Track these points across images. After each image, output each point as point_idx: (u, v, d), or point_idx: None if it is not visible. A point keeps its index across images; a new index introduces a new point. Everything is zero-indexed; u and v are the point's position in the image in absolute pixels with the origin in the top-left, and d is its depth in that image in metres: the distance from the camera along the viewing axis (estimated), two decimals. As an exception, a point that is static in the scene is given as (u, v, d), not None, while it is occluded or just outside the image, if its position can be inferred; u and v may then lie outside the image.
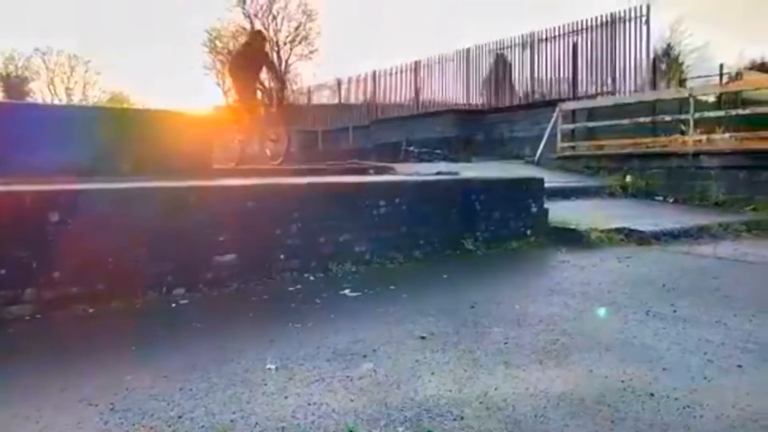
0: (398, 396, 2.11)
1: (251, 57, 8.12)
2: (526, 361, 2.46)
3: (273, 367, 2.39)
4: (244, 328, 2.97)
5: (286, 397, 2.11)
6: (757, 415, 1.97)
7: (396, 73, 18.61)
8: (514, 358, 2.49)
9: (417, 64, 17.78)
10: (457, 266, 4.47)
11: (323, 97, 22.95)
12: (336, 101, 21.89)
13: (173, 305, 3.35)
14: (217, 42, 29.59)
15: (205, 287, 3.59)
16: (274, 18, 28.71)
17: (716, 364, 2.42)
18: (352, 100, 21.06)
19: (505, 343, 2.68)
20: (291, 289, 3.69)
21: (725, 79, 17.17)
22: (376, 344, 2.65)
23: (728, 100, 12.31)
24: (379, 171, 7.35)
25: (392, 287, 3.72)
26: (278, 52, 28.71)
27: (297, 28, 28.71)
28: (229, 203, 3.80)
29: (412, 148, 13.96)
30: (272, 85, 8.83)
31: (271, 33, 28.86)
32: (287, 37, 28.90)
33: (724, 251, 4.95)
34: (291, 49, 28.94)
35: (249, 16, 28.91)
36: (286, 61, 28.87)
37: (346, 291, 3.62)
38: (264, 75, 8.75)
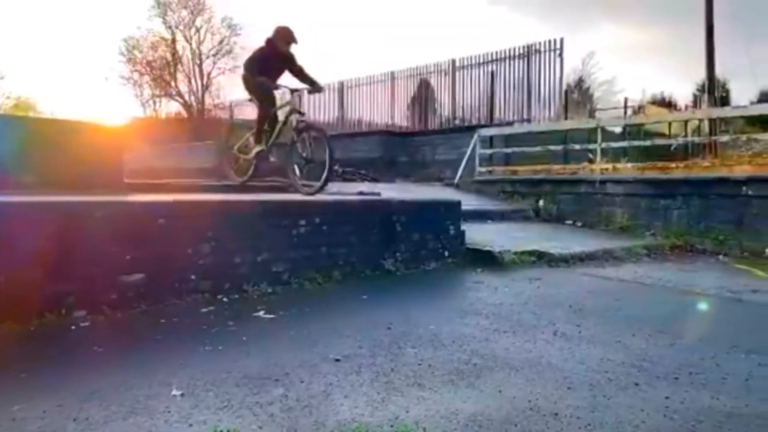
0: (309, 421, 2.07)
1: (278, 57, 6.50)
2: (439, 383, 2.49)
3: (178, 393, 2.28)
4: (149, 352, 2.82)
5: (190, 425, 2.02)
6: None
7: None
8: (427, 380, 2.51)
9: (342, 84, 17.91)
10: (377, 287, 4.48)
11: (246, 113, 22.59)
12: (259, 117, 21.57)
13: (73, 328, 3.14)
14: (136, 52, 28.53)
15: (110, 309, 3.39)
16: (197, 30, 28.08)
17: (615, 383, 2.54)
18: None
19: (419, 364, 2.70)
20: (203, 310, 3.56)
21: (629, 111, 18.49)
22: (289, 368, 2.59)
23: (632, 131, 13.26)
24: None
25: (309, 309, 3.67)
26: (200, 65, 28.09)
27: (221, 42, 28.18)
28: (138, 220, 3.63)
29: (336, 168, 13.95)
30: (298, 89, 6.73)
31: (194, 46, 28.23)
32: (210, 50, 28.31)
33: (625, 274, 5.26)
34: (214, 63, 28.36)
35: (170, 27, 28.14)
36: (209, 75, 28.25)
37: (261, 313, 3.53)
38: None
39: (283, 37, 6.53)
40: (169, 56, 28.54)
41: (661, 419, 2.18)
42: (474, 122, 13.95)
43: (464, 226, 5.72)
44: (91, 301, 3.33)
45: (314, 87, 6.70)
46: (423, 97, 16.00)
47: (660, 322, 3.61)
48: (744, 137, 10.88)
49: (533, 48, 13.37)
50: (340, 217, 4.75)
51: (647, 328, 3.45)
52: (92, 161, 5.41)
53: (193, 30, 28.13)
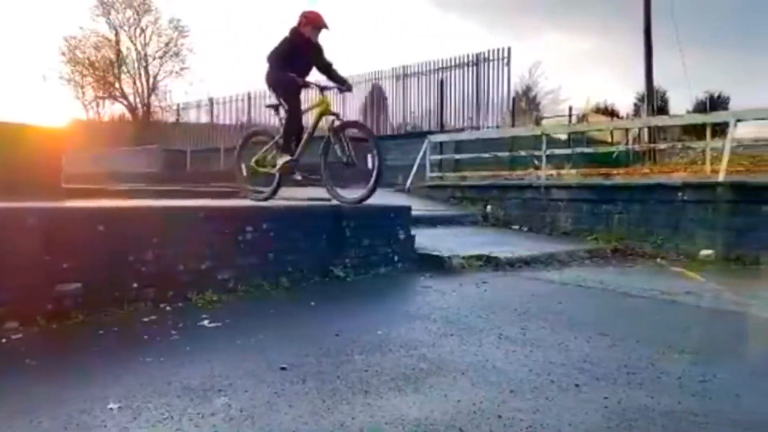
0: (252, 431, 2.03)
1: (306, 47, 5.64)
2: (385, 388, 2.49)
3: (115, 406, 2.20)
4: (86, 364, 2.71)
5: (127, 440, 1.95)
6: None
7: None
8: (373, 386, 2.51)
9: (293, 88, 17.78)
10: (326, 293, 4.45)
11: (194, 116, 22.17)
12: (208, 120, 21.23)
13: (4, 341, 2.99)
14: (78, 52, 27.55)
15: (44, 320, 3.24)
16: (143, 31, 27.38)
17: (557, 384, 2.61)
18: (226, 121, 20.56)
19: (366, 370, 2.70)
20: (144, 320, 3.45)
21: (574, 119, 19.09)
22: (233, 377, 2.54)
23: (576, 138, 13.70)
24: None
25: (256, 316, 3.62)
26: (146, 67, 27.37)
27: (167, 44, 27.57)
28: (76, 227, 3.49)
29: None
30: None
31: (139, 47, 27.50)
32: (156, 51, 27.64)
33: (569, 277, 5.40)
34: (161, 65, 27.70)
35: (114, 27, 27.33)
36: (155, 77, 27.57)
37: (205, 321, 3.45)
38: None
39: (312, 22, 5.63)
40: (113, 57, 27.72)
41: (600, 419, 2.25)
42: (425, 128, 14.12)
43: (414, 231, 5.76)
44: (24, 312, 3.18)
45: (344, 85, 5.86)
46: (374, 103, 16.07)
47: (600, 324, 3.73)
48: (680, 145, 11.40)
49: (482, 56, 13.65)
50: (289, 223, 4.71)
51: (588, 330, 3.55)
52: (28, 165, 5.16)
53: (138, 30, 27.45)
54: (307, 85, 5.70)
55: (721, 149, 7.72)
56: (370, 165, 5.48)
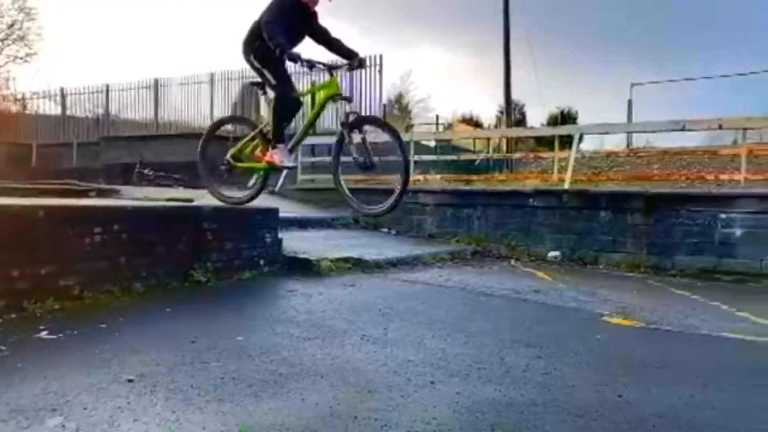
0: (88, 451, 1.87)
1: (301, 10, 4.73)
2: (242, 395, 2.41)
3: None
4: None
5: (-68, 473, 1.70)
6: (441, 426, 2.23)
7: (133, 88, 17.36)
8: (229, 393, 2.42)
9: (157, 81, 16.83)
10: (184, 299, 4.24)
11: (43, 107, 20.17)
12: (59, 113, 19.42)
13: None
14: None
15: None
16: (-20, 9, 24.35)
17: (414, 382, 2.69)
18: (80, 113, 18.93)
19: (222, 378, 2.60)
20: (-33, 334, 3.05)
21: (441, 128, 19.99)
22: (71, 394, 2.33)
23: (442, 146, 14.35)
24: (102, 194, 6.63)
25: (103, 325, 3.34)
26: (-16, 50, 24.40)
27: (11, 26, 24.78)
28: None
29: (146, 171, 13.05)
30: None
31: (-25, 26, 24.46)
32: (-2, 33, 24.73)
33: (431, 278, 5.62)
34: (2, 49, 24.83)
35: (-56, 2, 24.03)
36: (-5, 62, 24.66)
37: (44, 333, 3.12)
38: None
39: None
40: (-59, 35, 24.37)
41: (451, 414, 2.35)
42: (297, 130, 13.99)
43: (284, 234, 5.67)
44: None
45: (355, 60, 4.88)
46: (248, 101, 15.65)
47: (458, 322, 3.91)
48: (532, 155, 12.36)
49: (354, 61, 13.82)
50: (143, 224, 4.41)
51: (446, 328, 3.71)
52: None
53: (-25, 8, 24.36)
54: (311, 63, 4.61)
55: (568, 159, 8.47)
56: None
